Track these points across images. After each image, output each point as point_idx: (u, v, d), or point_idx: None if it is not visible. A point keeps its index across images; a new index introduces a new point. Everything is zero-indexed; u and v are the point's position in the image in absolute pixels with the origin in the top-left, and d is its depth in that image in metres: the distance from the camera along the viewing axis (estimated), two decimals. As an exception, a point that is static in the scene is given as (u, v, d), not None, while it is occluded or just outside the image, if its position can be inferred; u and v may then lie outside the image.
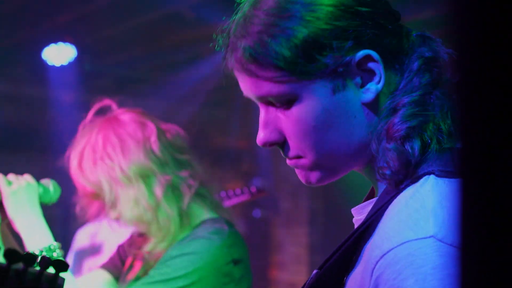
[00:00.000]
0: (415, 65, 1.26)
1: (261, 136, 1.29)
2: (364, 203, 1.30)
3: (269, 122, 1.28)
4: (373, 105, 1.25)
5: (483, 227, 0.57)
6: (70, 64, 5.80)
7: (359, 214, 1.30)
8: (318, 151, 1.25)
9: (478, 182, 0.57)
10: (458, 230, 0.59)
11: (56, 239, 2.24)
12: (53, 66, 5.84)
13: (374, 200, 1.25)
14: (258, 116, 1.32)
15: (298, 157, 1.28)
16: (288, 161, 1.30)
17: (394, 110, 1.23)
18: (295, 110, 1.24)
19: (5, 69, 6.24)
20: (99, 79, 6.59)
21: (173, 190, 2.30)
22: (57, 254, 2.20)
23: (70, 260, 2.66)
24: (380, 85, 1.24)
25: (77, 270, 2.74)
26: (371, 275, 1.10)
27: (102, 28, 5.44)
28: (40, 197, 2.29)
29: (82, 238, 2.87)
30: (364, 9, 1.23)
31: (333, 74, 1.22)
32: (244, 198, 4.52)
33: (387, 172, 1.19)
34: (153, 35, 5.54)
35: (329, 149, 1.25)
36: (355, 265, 1.18)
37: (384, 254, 1.09)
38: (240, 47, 1.26)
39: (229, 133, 6.70)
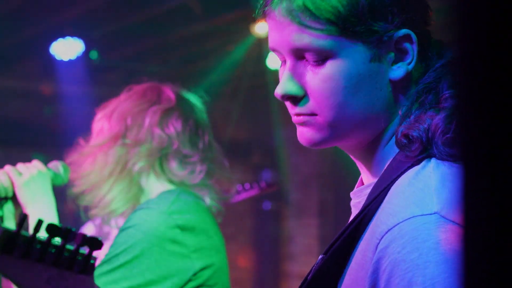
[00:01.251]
0: (440, 62, 1.29)
1: (282, 86, 1.29)
2: (362, 186, 1.32)
3: (295, 75, 1.28)
4: (399, 84, 1.28)
5: (485, 209, 0.57)
6: (78, 58, 5.81)
7: (358, 197, 1.33)
8: (338, 111, 1.26)
9: (479, 167, 0.58)
10: (461, 212, 0.59)
11: None
12: (62, 61, 5.85)
13: (372, 183, 1.27)
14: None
15: (313, 114, 1.28)
16: (297, 117, 1.30)
17: (436, 103, 1.26)
18: (329, 67, 1.25)
19: (14, 65, 6.25)
20: (108, 72, 6.59)
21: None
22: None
23: None
24: (410, 66, 1.27)
25: None
26: (375, 250, 1.13)
27: (110, 22, 5.44)
28: (52, 181, 2.31)
29: (87, 232, 2.89)
30: None
31: (376, 42, 1.25)
32: (253, 192, 4.53)
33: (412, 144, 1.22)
34: (161, 28, 5.54)
35: (348, 112, 1.26)
36: (357, 245, 1.20)
37: (390, 229, 1.12)
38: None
39: (239, 125, 6.70)
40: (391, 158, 1.26)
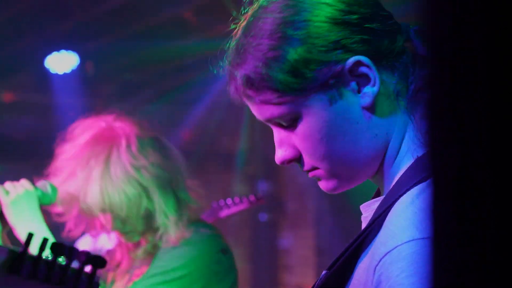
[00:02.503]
0: (410, 63, 1.28)
1: (278, 155, 1.32)
2: (371, 200, 1.31)
3: (283, 141, 1.31)
4: (373, 108, 1.26)
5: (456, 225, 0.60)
6: (73, 71, 5.81)
7: (366, 211, 1.32)
8: (329, 161, 1.27)
9: (449, 180, 0.60)
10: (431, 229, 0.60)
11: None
12: (56, 74, 5.85)
13: (381, 198, 1.26)
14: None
15: (314, 168, 1.30)
16: (307, 174, 1.33)
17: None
18: (300, 127, 1.27)
19: (9, 78, 6.25)
20: (103, 85, 6.59)
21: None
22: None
23: None
24: (376, 88, 1.25)
25: None
26: (374, 272, 1.11)
27: (104, 34, 5.44)
28: (40, 200, 2.29)
29: (82, 247, 2.87)
30: (351, 17, 1.26)
31: (325, 87, 1.25)
32: (243, 207, 4.55)
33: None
34: (156, 40, 5.54)
35: (339, 157, 1.27)
36: (359, 262, 1.19)
37: (389, 251, 1.10)
38: (237, 76, 1.30)
39: (234, 136, 6.70)
40: (401, 173, 1.25)
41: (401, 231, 1.11)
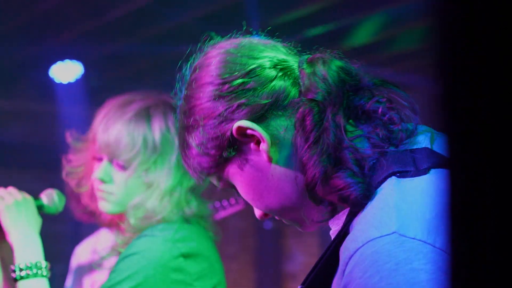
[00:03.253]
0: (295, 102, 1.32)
1: (255, 213, 1.42)
2: (339, 214, 1.31)
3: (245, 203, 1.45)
4: (278, 158, 1.32)
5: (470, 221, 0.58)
6: (77, 80, 5.83)
7: (335, 225, 1.32)
8: (277, 212, 1.35)
9: (465, 174, 0.58)
10: (446, 224, 0.59)
11: (63, 256, 2.23)
12: (61, 84, 5.87)
13: (347, 210, 1.27)
14: None
15: (266, 215, 1.40)
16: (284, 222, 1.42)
17: (304, 162, 1.29)
18: (239, 192, 1.38)
19: (13, 87, 6.27)
20: (107, 94, 6.61)
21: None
22: (41, 273, 2.16)
23: (70, 278, 2.64)
24: (265, 144, 1.31)
25: None
26: (342, 276, 1.13)
27: (108, 44, 5.46)
28: (46, 209, 2.28)
29: (80, 254, 2.86)
30: (222, 88, 1.34)
31: (227, 159, 1.33)
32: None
33: (352, 199, 1.23)
34: (159, 49, 5.56)
35: (280, 207, 1.34)
36: (335, 273, 1.21)
37: (352, 255, 1.11)
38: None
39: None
40: None
41: (362, 233, 1.13)
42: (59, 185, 2.42)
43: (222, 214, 4.47)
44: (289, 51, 1.41)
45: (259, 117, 1.31)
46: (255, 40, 1.42)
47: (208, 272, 2.24)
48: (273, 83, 1.33)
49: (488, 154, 0.57)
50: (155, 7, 4.82)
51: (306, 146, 1.27)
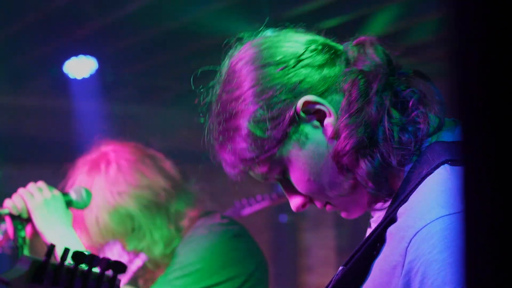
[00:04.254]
0: (349, 81, 1.34)
1: (292, 204, 1.42)
2: (381, 202, 1.34)
3: (289, 192, 1.41)
4: (339, 133, 1.32)
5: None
6: (91, 76, 5.84)
7: (376, 213, 1.37)
8: (327, 194, 1.36)
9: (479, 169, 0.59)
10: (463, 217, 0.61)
11: None
12: (75, 79, 5.88)
13: (390, 199, 1.31)
14: None
15: (327, 203, 1.40)
16: (326, 210, 1.43)
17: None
18: (291, 176, 1.37)
19: (28, 83, 6.30)
20: (122, 89, 6.63)
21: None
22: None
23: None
24: (332, 117, 1.32)
25: None
26: (405, 253, 1.15)
27: (122, 39, 5.47)
28: (74, 204, 2.32)
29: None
30: (279, 71, 1.34)
31: (287, 138, 1.33)
32: (265, 204, 4.56)
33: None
34: (174, 43, 5.56)
35: (333, 190, 1.35)
36: (378, 255, 1.23)
37: (418, 231, 1.14)
38: (222, 159, 1.43)
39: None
40: (405, 173, 1.29)
41: (427, 212, 1.15)
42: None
43: (248, 210, 4.50)
44: (326, 38, 1.44)
45: (321, 93, 1.33)
46: (289, 30, 1.45)
47: (253, 248, 2.47)
48: (326, 60, 1.35)
49: (502, 146, 0.57)
50: (169, 1, 4.82)
51: (347, 115, 1.29)
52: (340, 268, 1.30)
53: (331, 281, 1.31)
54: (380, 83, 1.30)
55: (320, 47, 1.37)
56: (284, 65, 1.34)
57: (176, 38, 5.45)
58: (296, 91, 1.32)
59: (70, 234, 2.24)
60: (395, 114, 1.31)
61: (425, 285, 1.11)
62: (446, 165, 1.22)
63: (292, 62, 1.34)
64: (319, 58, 1.35)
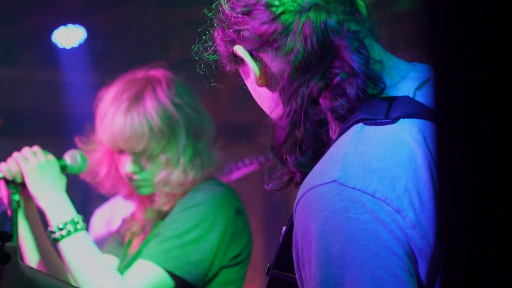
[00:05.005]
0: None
1: None
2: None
3: None
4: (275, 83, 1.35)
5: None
6: (80, 46, 5.80)
7: None
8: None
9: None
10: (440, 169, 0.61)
11: None
12: (64, 49, 5.84)
13: None
14: None
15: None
16: None
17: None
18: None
19: (16, 55, 6.24)
20: (111, 59, 6.58)
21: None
22: (80, 227, 2.23)
23: (95, 238, 2.68)
24: (256, 67, 1.35)
25: None
26: (294, 223, 1.16)
27: (111, 8, 5.42)
28: (69, 169, 2.33)
29: (98, 218, 2.89)
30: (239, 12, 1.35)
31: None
32: (253, 168, 4.55)
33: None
34: (163, 12, 5.51)
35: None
36: None
37: (298, 201, 1.16)
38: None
39: (242, 107, 6.70)
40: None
41: (308, 180, 1.15)
42: (67, 150, 2.43)
43: (236, 174, 4.49)
44: None
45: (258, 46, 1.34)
46: None
47: (246, 226, 2.41)
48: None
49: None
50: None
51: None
52: (284, 228, 1.31)
53: (279, 241, 1.32)
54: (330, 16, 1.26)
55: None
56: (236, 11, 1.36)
57: (166, 7, 5.40)
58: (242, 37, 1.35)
59: (63, 198, 2.24)
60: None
61: (303, 257, 1.10)
62: (359, 124, 1.18)
63: (248, 9, 1.34)
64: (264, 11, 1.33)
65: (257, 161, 4.57)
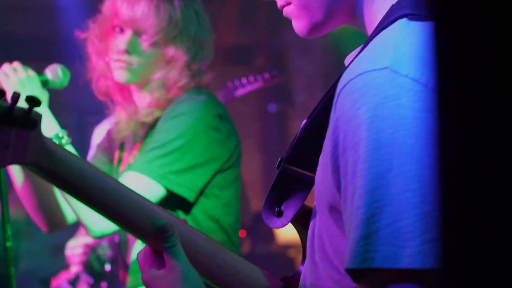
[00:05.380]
0: None
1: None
2: (353, 51, 1.28)
3: None
4: None
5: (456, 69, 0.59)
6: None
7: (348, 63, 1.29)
8: None
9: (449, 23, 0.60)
10: (433, 72, 0.61)
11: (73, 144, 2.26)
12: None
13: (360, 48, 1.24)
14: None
15: (288, 3, 1.29)
16: (283, 12, 1.32)
17: None
18: None
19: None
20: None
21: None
22: (65, 141, 2.22)
23: (91, 156, 2.70)
24: None
25: None
26: (334, 109, 1.11)
27: None
28: (51, 84, 2.30)
29: (99, 134, 2.89)
30: None
31: None
32: (258, 85, 4.49)
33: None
34: None
35: None
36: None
37: (344, 86, 1.10)
38: None
39: (240, 29, 6.64)
40: (378, 19, 1.22)
41: (356, 67, 1.11)
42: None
43: (241, 91, 4.45)
44: None
45: None
46: None
47: (232, 130, 2.43)
48: None
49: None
50: None
51: None
52: (304, 121, 1.27)
53: (296, 134, 1.29)
54: None
55: None
56: None
57: None
58: None
59: (46, 113, 2.21)
60: None
61: (346, 142, 1.07)
62: (404, 19, 1.14)
63: None
64: None
65: (262, 77, 4.51)
